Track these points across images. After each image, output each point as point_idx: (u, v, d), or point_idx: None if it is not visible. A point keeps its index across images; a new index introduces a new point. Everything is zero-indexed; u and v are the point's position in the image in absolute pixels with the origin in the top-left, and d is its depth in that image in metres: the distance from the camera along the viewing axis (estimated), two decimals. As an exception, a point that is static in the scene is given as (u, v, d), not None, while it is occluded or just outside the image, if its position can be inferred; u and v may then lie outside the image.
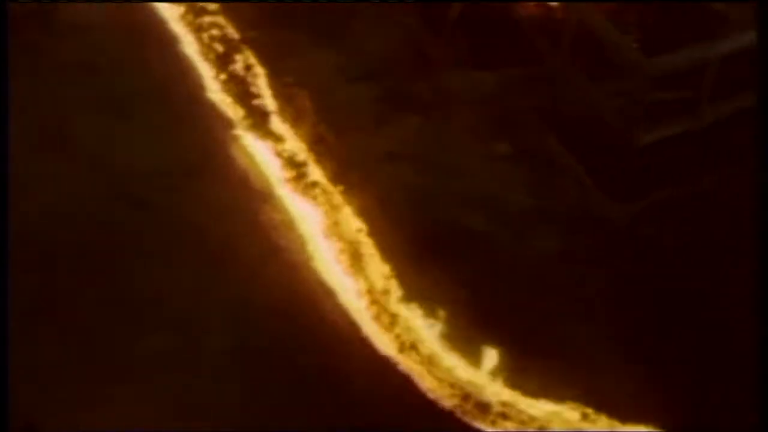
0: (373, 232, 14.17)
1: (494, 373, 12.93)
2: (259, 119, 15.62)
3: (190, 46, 16.44)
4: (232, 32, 16.58)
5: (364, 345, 13.10)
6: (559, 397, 12.77)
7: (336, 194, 14.62)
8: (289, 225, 14.39)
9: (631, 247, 14.30)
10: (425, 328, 13.29)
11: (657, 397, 12.70)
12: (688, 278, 13.87)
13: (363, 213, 14.35)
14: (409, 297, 13.51)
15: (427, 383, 12.79)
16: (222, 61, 16.28)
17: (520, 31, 16.23)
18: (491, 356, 13.04)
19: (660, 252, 14.25)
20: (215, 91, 15.98)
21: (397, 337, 13.15)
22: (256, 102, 15.79)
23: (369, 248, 14.03)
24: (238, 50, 16.39)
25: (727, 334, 13.31)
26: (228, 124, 15.63)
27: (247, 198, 14.67)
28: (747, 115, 15.01)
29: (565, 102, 15.48)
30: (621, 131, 14.47)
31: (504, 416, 12.61)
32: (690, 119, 14.64)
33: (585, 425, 12.54)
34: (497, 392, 12.81)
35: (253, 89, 15.95)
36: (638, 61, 13.87)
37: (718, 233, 14.37)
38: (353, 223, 14.29)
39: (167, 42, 16.48)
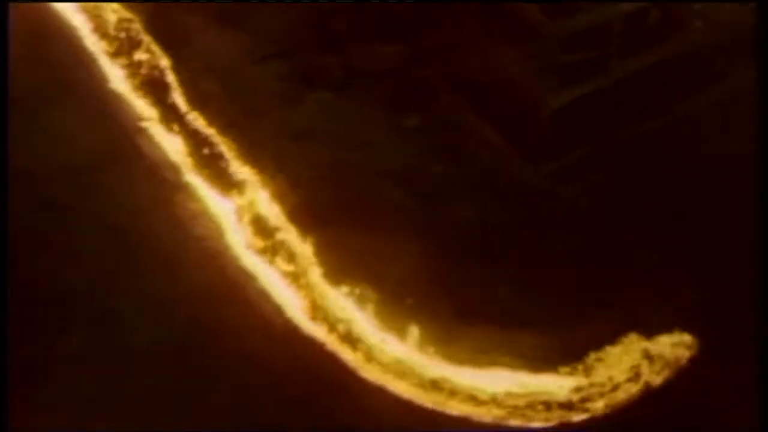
0: (291, 214, 13.90)
1: (423, 346, 12.81)
2: (165, 108, 15.18)
3: (90, 36, 15.87)
4: (133, 20, 16.12)
5: (289, 327, 12.86)
6: (490, 361, 12.74)
7: (250, 178, 14.30)
8: (204, 213, 14.06)
9: (549, 209, 14.32)
10: (350, 306, 13.11)
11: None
12: (605, 238, 13.92)
13: (278, 195, 14.08)
14: (331, 275, 13.30)
15: (354, 361, 12.64)
16: (124, 50, 15.80)
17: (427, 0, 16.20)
18: (419, 329, 12.91)
19: (577, 212, 14.27)
20: (119, 82, 15.50)
21: (323, 316, 12.95)
22: (161, 90, 15.35)
23: (287, 230, 13.79)
24: (140, 38, 15.91)
25: (646, 291, 13.37)
26: (134, 115, 15.16)
27: (160, 190, 14.28)
28: (654, 69, 15.31)
29: (475, 69, 15.41)
30: (533, 94, 14.44)
31: (438, 388, 12.52)
32: (600, 77, 14.65)
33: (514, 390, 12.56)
34: (428, 365, 12.71)
35: (158, 77, 15.51)
36: (546, 23, 13.78)
37: (634, 191, 14.48)
38: (270, 206, 14.01)
39: (66, 34, 15.90)
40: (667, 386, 12.76)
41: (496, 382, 12.55)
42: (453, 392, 12.42)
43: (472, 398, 12.44)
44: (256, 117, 15.00)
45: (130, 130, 14.96)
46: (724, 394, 12.44)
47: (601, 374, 12.74)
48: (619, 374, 12.74)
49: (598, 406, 12.52)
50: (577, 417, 12.48)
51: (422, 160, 14.89)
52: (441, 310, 13.08)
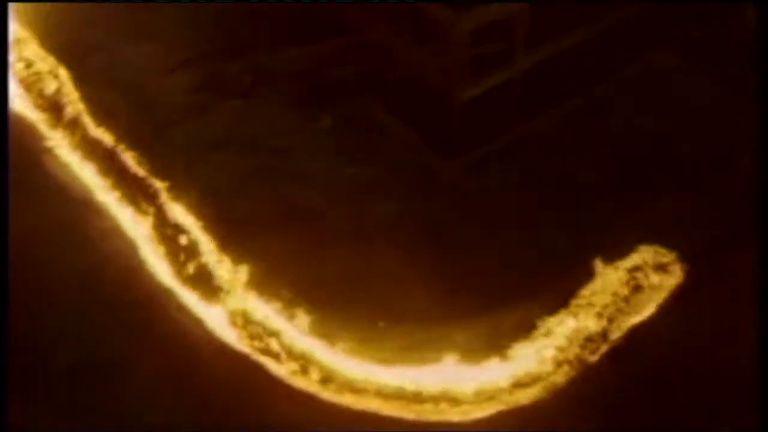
0: (207, 225, 13.60)
1: (353, 350, 12.66)
2: (70, 125, 14.75)
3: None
4: (29, 38, 15.69)
5: (213, 342, 12.59)
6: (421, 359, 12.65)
7: (162, 192, 13.95)
8: (117, 232, 13.66)
9: (466, 201, 14.32)
10: (276, 315, 12.86)
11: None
12: (522, 226, 13.99)
13: (194, 207, 13.77)
14: (254, 285, 13.05)
15: (285, 372, 12.42)
16: (23, 68, 15.33)
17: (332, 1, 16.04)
18: (344, 331, 12.75)
19: (493, 203, 14.31)
20: (18, 102, 15.03)
21: (248, 328, 12.71)
22: (64, 107, 14.90)
23: (205, 242, 13.49)
24: (38, 55, 15.48)
25: (556, 279, 13.40)
26: (37, 135, 14.71)
27: (69, 209, 13.84)
28: (563, 58, 15.37)
29: (384, 67, 15.33)
30: (443, 89, 14.40)
31: (370, 392, 12.38)
32: (508, 68, 14.67)
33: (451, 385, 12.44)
34: (358, 369, 12.56)
35: (60, 94, 15.09)
36: (451, 17, 13.74)
37: (544, 179, 14.59)
38: (185, 219, 13.68)
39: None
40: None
41: (429, 379, 12.42)
42: (383, 394, 12.30)
43: (404, 397, 12.35)
44: (166, 129, 14.68)
45: (34, 151, 14.49)
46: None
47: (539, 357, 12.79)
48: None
49: (533, 391, 12.59)
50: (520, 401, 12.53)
51: (338, 161, 14.74)
52: (369, 312, 12.91)
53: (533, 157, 14.99)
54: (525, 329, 12.95)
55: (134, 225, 13.73)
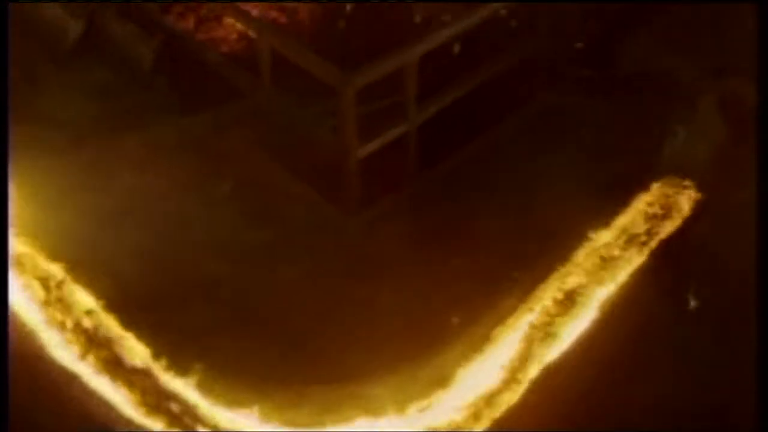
0: (109, 303, 13.28)
1: (269, 417, 12.54)
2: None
3: None
4: None
5: (121, 422, 12.29)
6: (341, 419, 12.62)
7: (59, 272, 13.58)
8: (14, 316, 13.16)
9: (370, 257, 14.41)
10: (186, 389, 12.62)
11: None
12: (432, 274, 14.08)
13: (93, 286, 13.44)
14: (160, 360, 12.77)
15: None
16: None
17: (222, 67, 16.05)
18: (260, 397, 12.62)
19: (394, 256, 14.42)
20: None
21: (157, 405, 12.44)
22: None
23: (107, 319, 13.13)
24: None
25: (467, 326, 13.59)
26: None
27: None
28: (453, 109, 15.69)
29: (279, 130, 15.39)
30: (339, 148, 14.46)
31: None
32: (402, 123, 14.84)
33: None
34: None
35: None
36: (340, 76, 13.85)
37: (446, 228, 14.74)
38: (86, 298, 13.35)
39: None
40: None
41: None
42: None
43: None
44: (58, 210, 14.29)
45: None
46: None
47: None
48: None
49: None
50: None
51: (240, 227, 14.67)
52: (284, 376, 12.81)
53: (434, 205, 15.20)
54: (440, 381, 13.03)
55: (32, 309, 13.31)
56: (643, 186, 15.13)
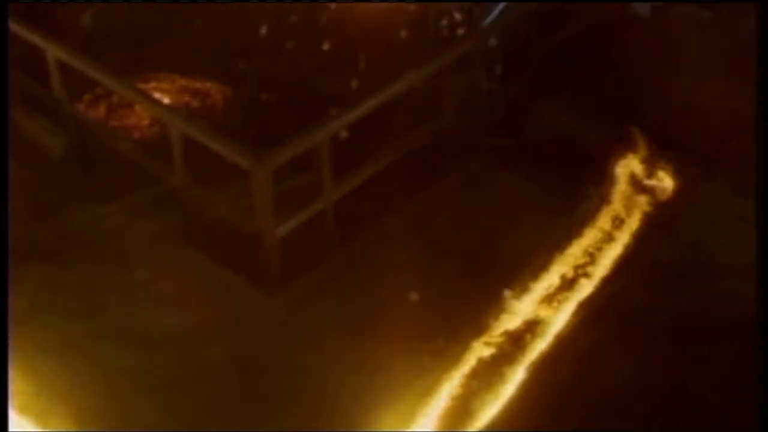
0: (26, 401, 12.98)
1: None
2: None
3: None
4: None
5: None
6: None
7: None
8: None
9: (294, 335, 14.37)
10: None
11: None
12: (345, 351, 14.13)
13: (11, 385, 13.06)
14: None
15: None
16: None
17: (134, 154, 15.99)
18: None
19: (320, 335, 14.43)
20: None
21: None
22: None
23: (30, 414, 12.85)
24: None
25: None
26: None
27: None
28: (371, 183, 15.94)
29: (195, 215, 15.37)
30: (255, 229, 14.45)
31: None
32: (319, 200, 14.91)
33: None
34: None
35: None
36: (252, 159, 13.90)
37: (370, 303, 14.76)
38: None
39: None
40: None
41: None
42: None
43: None
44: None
45: None
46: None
47: None
48: None
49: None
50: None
51: (159, 313, 14.45)
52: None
53: (356, 281, 15.16)
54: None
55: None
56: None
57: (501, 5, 19.36)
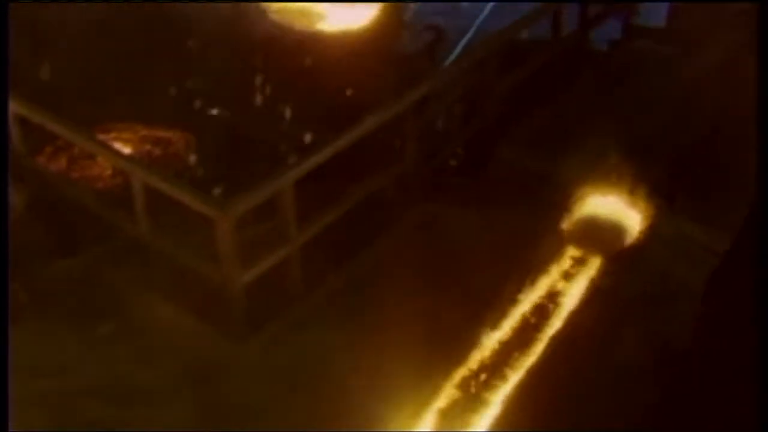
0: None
1: None
2: None
3: None
4: None
5: None
6: None
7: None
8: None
9: (266, 383, 14.15)
10: None
11: None
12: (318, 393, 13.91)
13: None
14: None
15: None
16: None
17: (97, 206, 15.92)
18: None
19: (284, 380, 14.21)
20: None
21: None
22: None
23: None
24: None
25: None
26: None
27: None
28: (334, 227, 15.98)
29: (160, 264, 15.24)
30: (221, 277, 14.39)
31: None
32: (283, 246, 14.87)
33: None
34: None
35: None
36: (215, 207, 13.87)
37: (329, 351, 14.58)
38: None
39: None
40: None
41: None
42: None
43: None
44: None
45: None
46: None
47: None
48: None
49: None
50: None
51: (128, 367, 14.24)
52: None
53: (321, 326, 15.04)
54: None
55: None
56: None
57: (462, 43, 19.62)
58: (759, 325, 11.91)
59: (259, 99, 18.66)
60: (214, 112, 18.17)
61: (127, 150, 16.98)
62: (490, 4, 23.45)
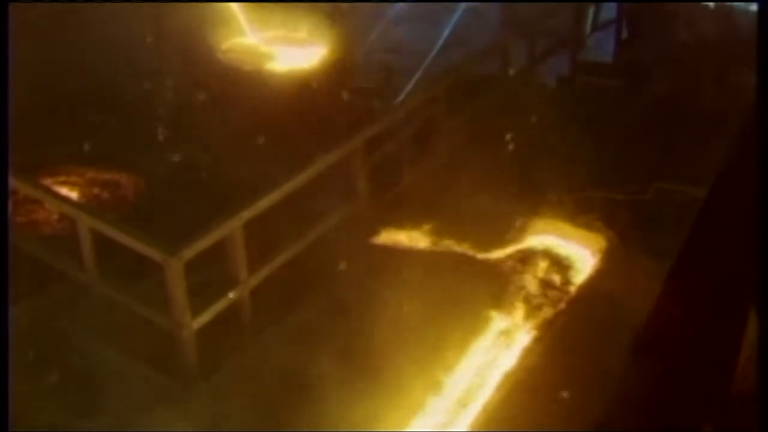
0: None
1: None
2: None
3: None
4: None
5: None
6: None
7: None
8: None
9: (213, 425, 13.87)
10: None
11: None
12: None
13: None
14: None
15: None
16: None
17: (41, 251, 15.60)
18: None
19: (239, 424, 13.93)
20: None
21: None
22: None
23: None
24: None
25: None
26: None
27: None
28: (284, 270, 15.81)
29: (107, 311, 14.92)
30: (171, 322, 14.13)
31: None
32: (234, 290, 14.67)
33: None
34: None
35: None
36: (163, 252, 13.64)
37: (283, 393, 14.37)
38: None
39: None
40: None
41: None
42: None
43: None
44: None
45: None
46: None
47: None
48: None
49: None
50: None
51: (75, 420, 13.76)
52: None
53: (275, 368, 14.89)
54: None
55: None
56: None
57: (413, 80, 19.67)
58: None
59: (209, 139, 18.51)
60: (165, 153, 17.96)
61: (74, 194, 16.70)
62: (440, 42, 23.55)
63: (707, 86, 19.68)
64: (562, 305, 15.89)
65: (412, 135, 17.85)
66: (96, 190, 17.07)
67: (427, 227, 17.25)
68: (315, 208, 16.37)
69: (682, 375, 8.83)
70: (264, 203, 15.14)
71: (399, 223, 17.39)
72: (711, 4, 20.16)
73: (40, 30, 19.33)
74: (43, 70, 18.95)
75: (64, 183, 17.09)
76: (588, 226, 17.25)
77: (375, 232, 17.04)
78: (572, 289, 16.25)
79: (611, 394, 9.18)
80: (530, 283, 16.30)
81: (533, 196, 17.52)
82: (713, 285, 9.83)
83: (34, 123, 17.91)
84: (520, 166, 18.06)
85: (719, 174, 11.01)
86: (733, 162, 10.70)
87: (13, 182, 15.51)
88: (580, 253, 17.00)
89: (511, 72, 20.20)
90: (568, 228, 17.14)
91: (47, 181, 16.43)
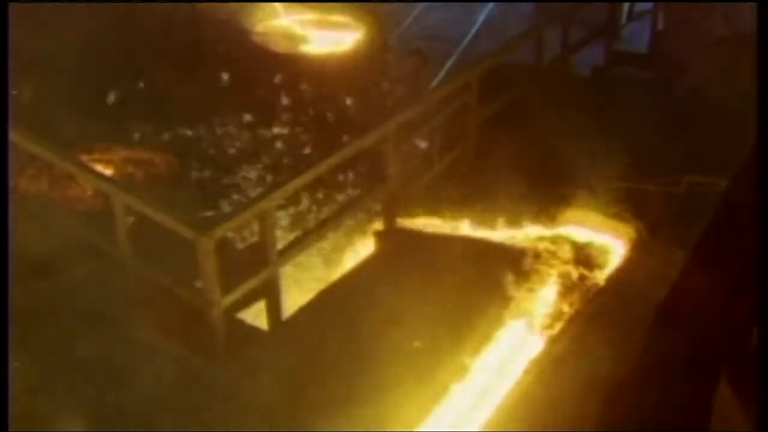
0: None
1: None
2: None
3: None
4: None
5: None
6: None
7: None
8: None
9: (239, 407, 13.96)
10: None
11: None
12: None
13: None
14: None
15: None
16: None
17: (77, 227, 15.76)
18: None
19: (264, 406, 13.96)
20: None
21: None
22: None
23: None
24: None
25: None
26: None
27: None
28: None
29: (140, 287, 15.02)
30: (201, 300, 14.27)
31: None
32: (264, 269, 14.78)
33: None
34: None
35: None
36: (196, 230, 13.75)
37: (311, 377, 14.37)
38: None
39: None
40: None
41: None
42: None
43: None
44: None
45: None
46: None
47: None
48: None
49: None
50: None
51: (106, 389, 13.85)
52: None
53: (302, 351, 14.95)
54: None
55: None
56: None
57: (446, 67, 19.65)
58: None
59: (243, 120, 18.62)
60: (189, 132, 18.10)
61: (108, 171, 16.88)
62: (474, 29, 23.53)
63: (743, 80, 19.52)
64: (590, 294, 15.90)
65: (445, 121, 17.88)
66: (130, 168, 17.25)
67: (458, 212, 17.35)
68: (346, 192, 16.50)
69: (701, 342, 8.89)
70: (296, 184, 15.22)
71: (430, 207, 17.51)
72: (750, -4, 19.98)
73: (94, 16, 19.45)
74: (88, 52, 19.11)
75: (98, 161, 17.28)
76: (618, 217, 17.20)
77: (407, 214, 17.13)
78: (600, 278, 16.25)
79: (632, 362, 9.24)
80: (559, 271, 16.33)
81: (564, 185, 17.52)
82: (732, 263, 9.87)
83: (72, 102, 18.17)
84: (552, 155, 18.00)
85: (743, 164, 11.04)
86: (754, 153, 10.72)
87: (50, 158, 15.80)
88: (610, 243, 16.99)
89: (546, 61, 20.12)
90: (598, 217, 17.11)
91: (83, 159, 16.59)
